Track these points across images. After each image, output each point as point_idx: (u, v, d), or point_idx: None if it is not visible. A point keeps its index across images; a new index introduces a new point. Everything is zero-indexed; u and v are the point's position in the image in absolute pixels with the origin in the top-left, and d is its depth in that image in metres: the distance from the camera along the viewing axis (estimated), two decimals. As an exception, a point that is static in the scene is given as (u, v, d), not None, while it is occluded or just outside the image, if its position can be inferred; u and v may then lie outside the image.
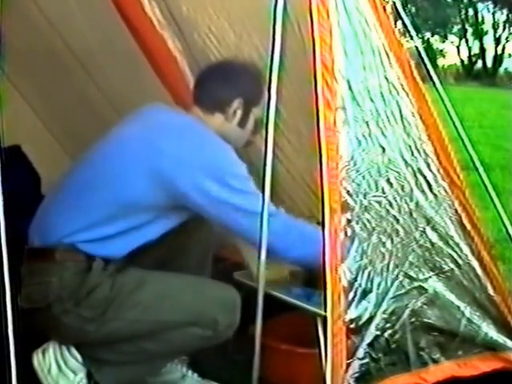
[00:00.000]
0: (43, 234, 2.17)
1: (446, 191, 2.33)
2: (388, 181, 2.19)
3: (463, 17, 29.73)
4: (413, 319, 2.23)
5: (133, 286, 2.11)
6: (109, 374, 2.17)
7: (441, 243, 2.31)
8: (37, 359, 2.15)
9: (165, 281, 2.18)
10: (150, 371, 2.27)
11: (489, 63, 28.96)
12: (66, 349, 2.16)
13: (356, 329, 2.06)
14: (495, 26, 29.24)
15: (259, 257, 2.01)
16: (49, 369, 2.14)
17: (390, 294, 2.16)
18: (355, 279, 2.07)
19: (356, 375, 2.05)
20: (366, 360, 2.09)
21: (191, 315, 2.11)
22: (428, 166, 2.29)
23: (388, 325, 2.15)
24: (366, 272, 2.09)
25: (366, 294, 2.09)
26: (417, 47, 2.55)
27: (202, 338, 2.12)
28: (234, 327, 2.15)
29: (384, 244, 2.16)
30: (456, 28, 30.38)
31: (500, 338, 2.41)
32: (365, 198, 2.11)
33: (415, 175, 2.26)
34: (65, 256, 2.11)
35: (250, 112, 2.26)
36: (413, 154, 2.26)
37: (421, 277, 2.26)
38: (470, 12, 29.73)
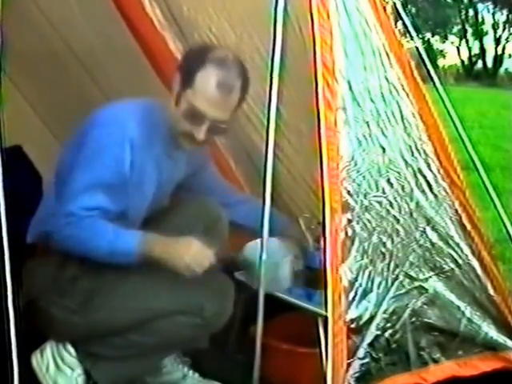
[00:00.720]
0: (30, 233, 2.22)
1: (446, 191, 2.34)
2: (388, 181, 2.19)
3: (463, 17, 29.72)
4: (413, 319, 2.23)
5: (116, 275, 2.12)
6: (104, 370, 2.17)
7: (441, 243, 2.32)
8: (35, 359, 2.16)
9: (150, 270, 2.18)
10: (146, 367, 2.27)
11: (489, 63, 28.96)
12: (62, 346, 2.17)
13: (356, 329, 2.07)
14: (495, 27, 29.24)
15: (260, 256, 2.02)
16: (47, 367, 2.16)
17: (391, 294, 2.17)
18: (356, 279, 2.08)
19: (356, 375, 2.06)
20: (367, 360, 2.09)
21: (177, 303, 2.12)
22: (428, 166, 2.30)
23: (388, 325, 2.16)
24: (367, 272, 2.10)
25: (366, 293, 2.10)
26: (417, 48, 2.55)
27: (191, 327, 2.12)
28: (225, 315, 2.15)
29: (384, 244, 2.17)
30: (456, 28, 30.38)
31: (500, 338, 2.42)
32: (365, 198, 2.12)
33: (415, 175, 2.27)
34: (44, 250, 2.14)
35: (182, 92, 2.14)
36: (413, 155, 2.27)
37: (421, 277, 2.26)
38: (470, 12, 29.74)
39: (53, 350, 2.17)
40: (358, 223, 2.09)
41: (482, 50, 29.20)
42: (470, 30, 29.84)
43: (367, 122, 2.15)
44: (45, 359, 2.16)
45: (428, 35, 29.13)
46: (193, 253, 2.04)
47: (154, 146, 2.17)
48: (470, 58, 29.73)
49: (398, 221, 2.21)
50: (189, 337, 2.18)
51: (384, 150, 2.19)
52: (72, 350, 2.16)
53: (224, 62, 2.12)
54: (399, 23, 2.48)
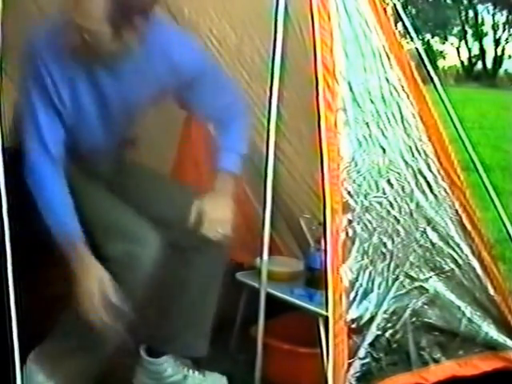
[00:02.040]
0: None
1: (446, 192, 2.34)
2: (389, 181, 2.20)
3: (463, 18, 29.79)
4: (413, 319, 2.23)
5: None
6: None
7: (441, 243, 2.33)
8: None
9: None
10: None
11: (489, 64, 29.02)
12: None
13: (357, 329, 2.07)
14: (495, 28, 29.31)
15: (261, 256, 2.03)
16: None
17: (391, 294, 2.17)
18: (356, 279, 2.08)
19: (357, 375, 2.06)
20: (367, 360, 2.10)
21: None
22: (428, 166, 2.31)
23: (389, 325, 2.16)
24: (367, 272, 2.11)
25: (367, 293, 2.11)
26: (417, 49, 2.56)
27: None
28: (134, 261, 2.02)
29: (385, 244, 2.17)
30: (456, 29, 30.44)
31: (500, 338, 2.42)
32: (366, 199, 2.12)
33: (416, 176, 2.27)
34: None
35: None
36: (413, 155, 2.27)
37: (421, 277, 2.27)
38: (470, 13, 29.80)
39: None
40: (358, 224, 2.09)
41: (482, 50, 29.25)
42: (469, 31, 29.92)
43: (367, 123, 2.15)
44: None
45: (428, 36, 29.18)
46: (95, 281, 1.97)
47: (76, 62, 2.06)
48: (469, 58, 29.79)
49: (398, 221, 2.22)
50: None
51: (384, 150, 2.19)
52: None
53: None
54: (399, 24, 2.49)
